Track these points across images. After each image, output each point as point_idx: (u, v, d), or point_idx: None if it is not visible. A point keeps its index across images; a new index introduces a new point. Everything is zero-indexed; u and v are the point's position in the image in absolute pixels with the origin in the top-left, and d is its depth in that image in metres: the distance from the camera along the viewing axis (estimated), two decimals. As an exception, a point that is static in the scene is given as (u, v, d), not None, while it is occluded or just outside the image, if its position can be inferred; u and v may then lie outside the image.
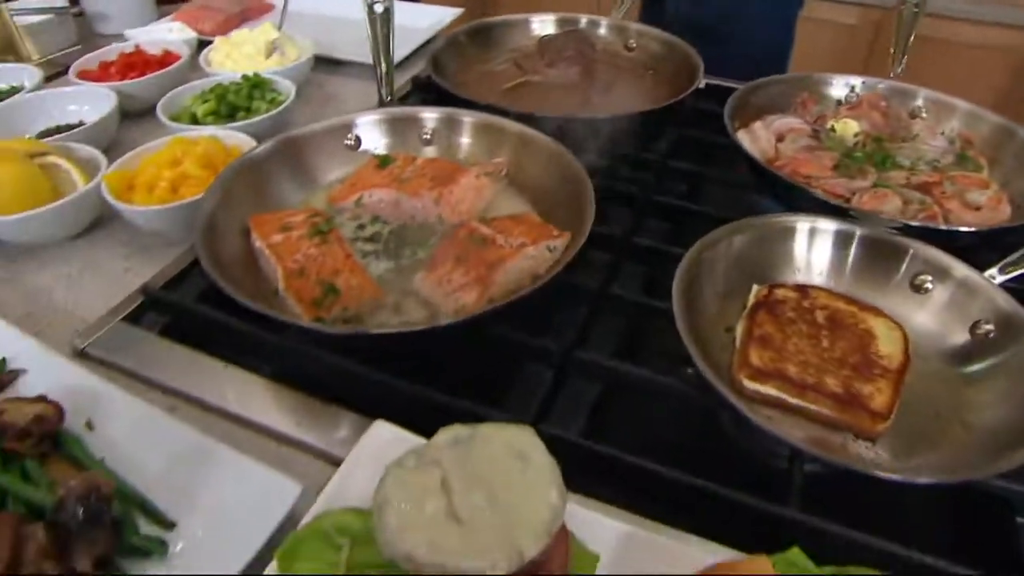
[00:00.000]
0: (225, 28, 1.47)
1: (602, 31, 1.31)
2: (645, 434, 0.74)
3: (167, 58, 1.32)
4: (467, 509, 0.52)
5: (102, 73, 1.29)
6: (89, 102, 1.19)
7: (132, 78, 1.25)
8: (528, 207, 0.93)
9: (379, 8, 1.10)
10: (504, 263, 0.78)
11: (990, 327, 0.75)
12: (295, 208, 0.93)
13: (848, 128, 1.04)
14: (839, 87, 1.15)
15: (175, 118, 1.13)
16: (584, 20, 1.31)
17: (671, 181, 1.06)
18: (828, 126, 1.06)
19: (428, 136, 1.03)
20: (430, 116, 1.03)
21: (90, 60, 1.31)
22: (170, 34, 1.44)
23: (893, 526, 0.62)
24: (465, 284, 0.77)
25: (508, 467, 0.55)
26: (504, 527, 0.51)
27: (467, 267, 0.78)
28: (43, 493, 0.62)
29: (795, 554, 0.51)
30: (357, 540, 0.56)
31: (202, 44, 1.41)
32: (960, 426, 0.69)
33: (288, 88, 1.20)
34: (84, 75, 1.28)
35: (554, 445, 0.55)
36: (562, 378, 0.76)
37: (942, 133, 1.08)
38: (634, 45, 1.29)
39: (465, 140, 1.01)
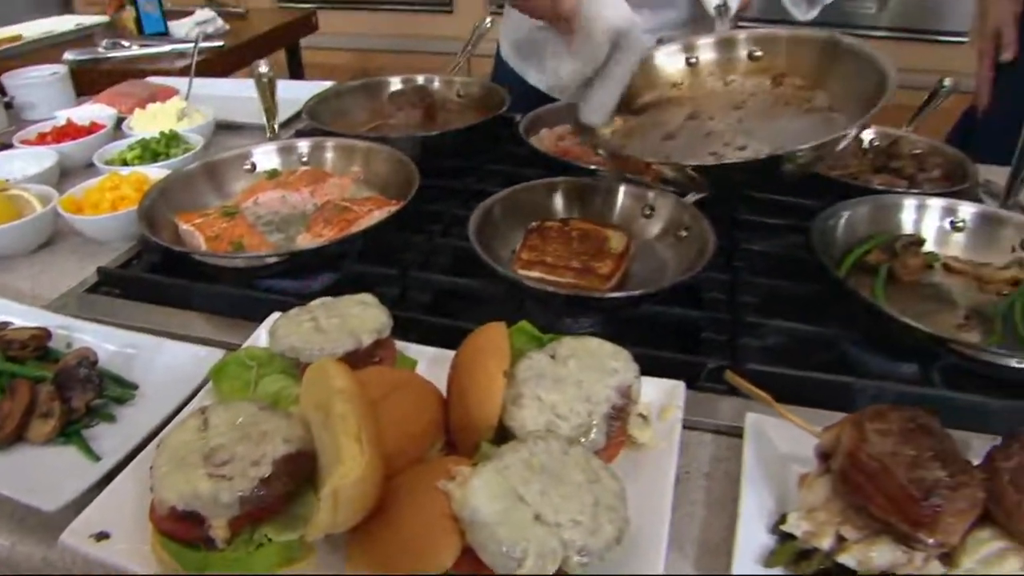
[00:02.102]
0: (140, 106, 1.80)
1: (436, 84, 1.73)
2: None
3: (95, 127, 1.64)
4: (327, 325, 0.86)
5: (40, 141, 1.60)
6: (33, 161, 1.49)
7: (67, 143, 1.58)
8: (376, 195, 1.29)
9: (264, 79, 1.48)
10: (358, 220, 1.14)
11: (685, 232, 1.15)
12: (209, 209, 1.27)
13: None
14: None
15: (109, 163, 1.46)
16: (421, 78, 1.73)
17: (490, 178, 1.45)
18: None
19: (305, 158, 1.40)
20: (304, 143, 1.41)
21: (29, 132, 1.63)
22: (93, 112, 1.76)
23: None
24: (332, 235, 1.12)
25: (354, 308, 0.89)
26: (350, 329, 0.85)
27: (333, 225, 1.13)
28: (42, 373, 0.92)
29: (525, 325, 0.86)
30: (262, 363, 0.88)
31: (120, 121, 1.75)
32: (660, 276, 1.09)
33: (197, 140, 1.55)
34: (25, 143, 1.59)
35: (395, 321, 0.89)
36: (406, 292, 1.11)
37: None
38: (462, 92, 1.71)
39: (330, 156, 1.40)
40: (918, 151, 1.47)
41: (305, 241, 1.14)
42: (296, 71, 3.40)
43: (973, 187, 1.34)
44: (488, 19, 1.87)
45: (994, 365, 0.91)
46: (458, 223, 1.28)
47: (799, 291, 1.11)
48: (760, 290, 1.12)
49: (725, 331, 1.03)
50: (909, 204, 1.20)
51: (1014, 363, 0.90)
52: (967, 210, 1.19)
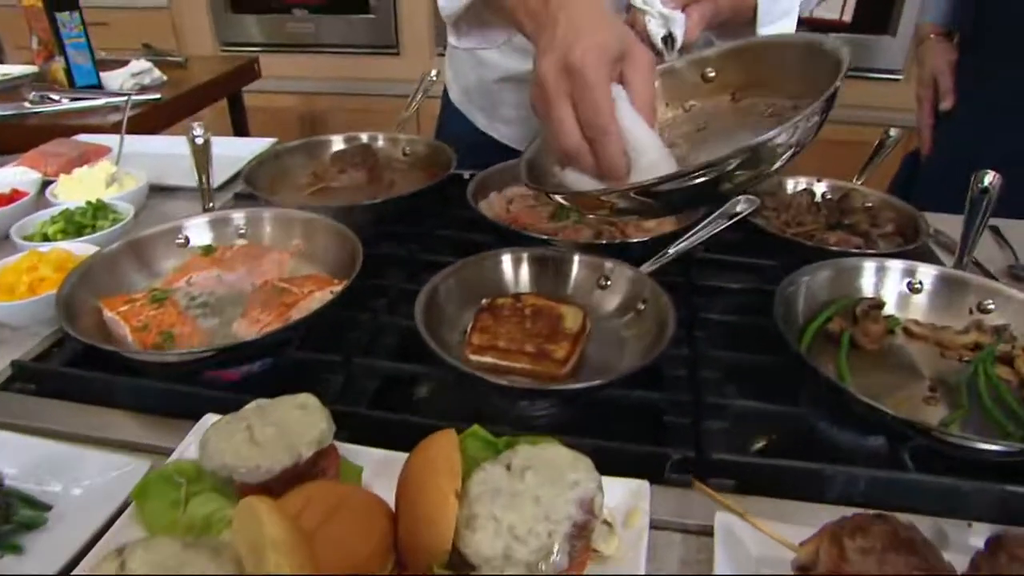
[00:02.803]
0: (67, 168, 1.68)
1: (380, 143, 1.67)
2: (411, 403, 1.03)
3: (15, 195, 1.54)
4: (263, 436, 0.78)
5: (-46, 214, 1.50)
6: (-54, 236, 1.40)
7: (-17, 215, 1.47)
8: (318, 271, 1.23)
9: (199, 141, 1.40)
10: (298, 303, 1.07)
11: (643, 305, 1.11)
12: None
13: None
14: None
15: (28, 239, 1.36)
16: (365, 136, 1.67)
17: (438, 245, 1.39)
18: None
19: (242, 231, 1.32)
20: (239, 215, 1.33)
21: (-59, 203, 1.52)
22: (15, 177, 1.66)
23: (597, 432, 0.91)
24: (270, 321, 1.05)
25: (293, 413, 0.82)
26: (288, 442, 0.78)
27: (271, 309, 1.06)
28: (-56, 497, 0.82)
29: (477, 429, 0.80)
30: (191, 479, 0.80)
31: (46, 184, 1.64)
32: (618, 355, 1.05)
33: (127, 208, 1.46)
34: (-61, 217, 1.48)
35: (338, 417, 0.83)
36: (351, 380, 1.04)
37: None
38: (408, 151, 1.66)
39: (268, 230, 1.32)
40: (870, 204, 1.47)
41: (241, 328, 1.07)
42: (238, 119, 3.31)
43: (926, 242, 1.33)
44: (434, 72, 1.82)
45: (961, 447, 0.88)
46: (405, 299, 1.22)
47: (763, 363, 1.08)
48: (722, 364, 1.08)
49: (688, 414, 0.98)
50: (868, 267, 1.19)
51: (980, 445, 0.87)
52: (925, 271, 1.18)
